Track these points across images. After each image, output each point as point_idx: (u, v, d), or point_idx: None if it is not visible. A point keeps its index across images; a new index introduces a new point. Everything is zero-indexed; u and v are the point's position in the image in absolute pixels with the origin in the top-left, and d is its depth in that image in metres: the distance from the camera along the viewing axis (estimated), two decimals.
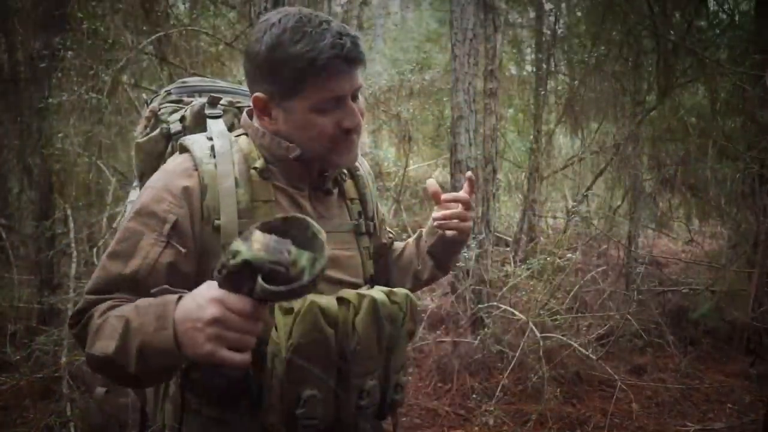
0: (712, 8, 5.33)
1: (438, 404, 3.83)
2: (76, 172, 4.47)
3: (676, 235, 7.29)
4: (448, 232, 1.32)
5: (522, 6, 8.00)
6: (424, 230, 1.43)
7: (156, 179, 1.12)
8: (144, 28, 4.40)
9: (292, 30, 1.06)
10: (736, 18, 5.26)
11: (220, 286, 0.86)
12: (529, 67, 9.17)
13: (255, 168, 1.14)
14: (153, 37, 4.19)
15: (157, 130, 1.26)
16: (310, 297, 1.03)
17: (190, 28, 4.51)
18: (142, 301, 0.98)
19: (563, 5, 7.01)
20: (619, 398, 3.67)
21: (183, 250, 1.07)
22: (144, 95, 4.33)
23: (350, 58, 1.06)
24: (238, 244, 0.83)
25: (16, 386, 3.37)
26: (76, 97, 3.78)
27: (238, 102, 1.30)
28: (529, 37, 8.79)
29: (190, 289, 1.06)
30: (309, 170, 1.18)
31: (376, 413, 1.15)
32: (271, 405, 1.05)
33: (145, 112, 1.32)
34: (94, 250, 4.13)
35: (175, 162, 1.14)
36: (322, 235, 0.86)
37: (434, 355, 4.33)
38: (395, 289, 1.15)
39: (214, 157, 1.11)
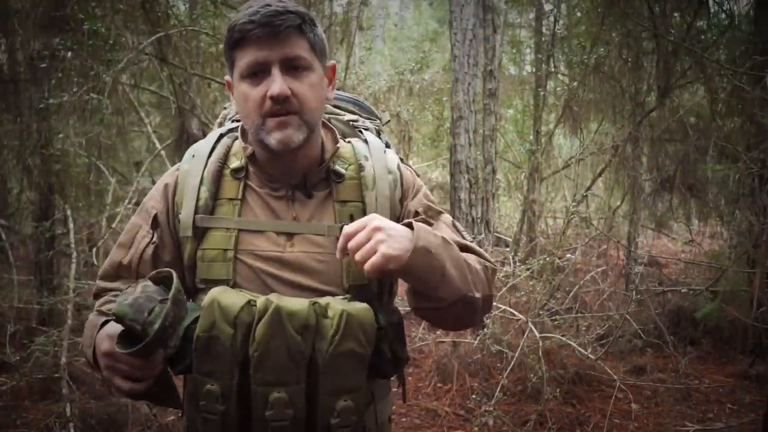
0: (712, 9, 5.33)
1: (438, 404, 3.84)
2: (76, 173, 4.47)
3: (675, 236, 7.29)
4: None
5: (522, 6, 8.01)
6: None
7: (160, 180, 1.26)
8: (144, 28, 4.40)
9: (242, 8, 1.12)
10: (736, 19, 5.25)
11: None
12: (528, 68, 9.18)
13: (229, 167, 1.20)
14: (153, 38, 4.18)
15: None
16: (215, 295, 1.06)
17: (190, 28, 4.51)
18: (97, 318, 1.15)
19: (563, 5, 7.01)
20: (618, 398, 3.66)
21: (161, 241, 1.20)
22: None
23: (263, 22, 1.05)
24: (123, 294, 0.98)
25: (16, 387, 3.37)
26: (76, 97, 3.78)
27: None
28: (528, 37, 8.80)
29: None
30: (287, 171, 1.17)
31: None
32: (189, 395, 1.20)
33: (219, 118, 1.42)
34: (94, 250, 4.13)
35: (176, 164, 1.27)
36: (172, 293, 0.98)
37: (434, 355, 4.33)
38: (333, 303, 1.07)
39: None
